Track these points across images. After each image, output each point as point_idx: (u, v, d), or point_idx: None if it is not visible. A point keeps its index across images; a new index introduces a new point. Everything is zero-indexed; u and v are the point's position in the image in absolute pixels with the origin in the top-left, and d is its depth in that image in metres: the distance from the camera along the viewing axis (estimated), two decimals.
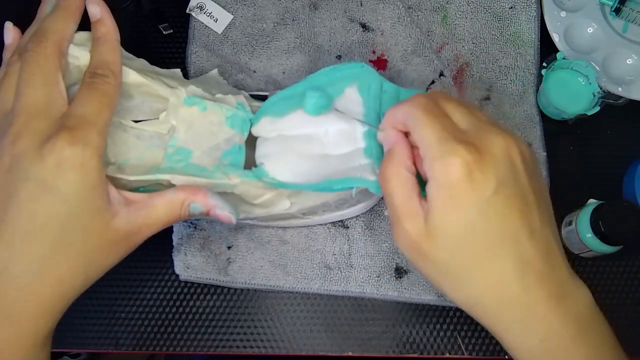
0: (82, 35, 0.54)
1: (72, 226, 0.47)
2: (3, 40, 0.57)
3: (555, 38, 0.75)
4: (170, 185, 0.57)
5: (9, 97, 0.49)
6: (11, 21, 0.57)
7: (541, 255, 0.46)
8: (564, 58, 0.72)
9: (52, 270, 0.47)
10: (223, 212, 0.56)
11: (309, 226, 0.71)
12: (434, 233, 0.45)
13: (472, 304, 0.48)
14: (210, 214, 0.56)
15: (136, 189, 0.56)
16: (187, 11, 0.77)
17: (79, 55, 0.53)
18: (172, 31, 0.79)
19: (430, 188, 0.45)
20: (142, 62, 0.61)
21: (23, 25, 0.57)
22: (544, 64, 0.72)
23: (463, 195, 0.44)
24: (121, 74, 0.54)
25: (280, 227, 0.71)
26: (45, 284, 0.47)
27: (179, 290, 0.71)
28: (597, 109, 0.69)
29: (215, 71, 0.70)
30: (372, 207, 0.71)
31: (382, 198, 0.69)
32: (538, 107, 0.75)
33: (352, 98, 0.61)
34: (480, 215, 0.44)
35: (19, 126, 0.47)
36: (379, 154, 0.59)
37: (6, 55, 0.56)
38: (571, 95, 0.73)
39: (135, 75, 0.56)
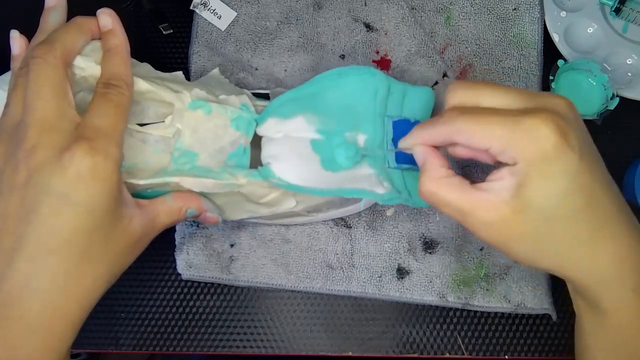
0: (88, 46, 0.54)
1: (95, 238, 0.47)
2: (2, 47, 0.57)
3: (555, 38, 0.75)
4: (178, 187, 0.58)
5: (19, 110, 0.49)
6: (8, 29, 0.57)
7: (631, 227, 0.48)
8: (564, 63, 0.72)
9: (77, 283, 0.47)
10: (212, 215, 0.59)
11: (311, 225, 0.71)
12: (526, 209, 0.45)
13: (570, 276, 0.49)
14: (201, 217, 0.59)
15: (143, 191, 0.57)
16: (190, 7, 0.77)
17: (85, 66, 0.53)
18: (172, 31, 0.79)
19: (517, 170, 0.45)
20: (146, 68, 0.61)
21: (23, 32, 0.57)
22: (550, 77, 0.72)
23: (557, 162, 0.44)
24: (133, 85, 0.54)
25: (283, 226, 0.71)
26: (71, 297, 0.47)
27: (178, 290, 0.72)
28: (617, 99, 0.69)
29: (216, 70, 0.70)
30: (375, 207, 0.71)
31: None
32: None
33: (357, 105, 0.62)
34: (574, 179, 0.44)
35: (33, 140, 0.46)
36: (380, 161, 0.61)
37: (14, 65, 0.55)
38: (584, 96, 0.73)
39: (144, 84, 0.56)
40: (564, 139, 0.43)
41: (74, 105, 0.49)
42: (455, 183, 0.48)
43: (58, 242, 0.45)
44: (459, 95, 0.49)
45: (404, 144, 0.53)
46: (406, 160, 0.62)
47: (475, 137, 0.46)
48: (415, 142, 0.51)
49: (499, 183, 0.46)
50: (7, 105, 0.51)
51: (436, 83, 0.73)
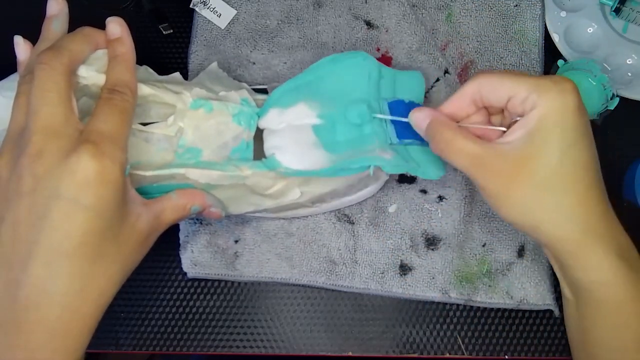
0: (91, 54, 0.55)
1: (106, 238, 0.47)
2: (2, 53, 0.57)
3: (555, 38, 0.75)
4: (184, 180, 0.58)
5: (22, 116, 0.49)
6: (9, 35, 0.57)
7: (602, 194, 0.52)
8: (564, 63, 0.72)
9: (93, 283, 0.47)
10: (216, 209, 0.60)
11: (314, 219, 0.71)
12: (537, 153, 0.50)
13: (558, 235, 0.52)
14: (205, 212, 0.59)
15: (149, 185, 0.57)
16: (190, 6, 0.78)
17: (87, 76, 0.53)
18: (172, 31, 0.79)
19: (534, 114, 0.50)
20: (145, 71, 0.61)
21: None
22: None
23: (574, 115, 0.49)
24: (137, 92, 0.54)
25: (286, 219, 0.71)
26: (87, 298, 0.47)
27: (178, 290, 0.71)
28: (617, 99, 0.69)
29: (214, 64, 0.70)
30: (377, 204, 0.71)
31: (387, 181, 0.70)
32: None
33: (353, 89, 0.62)
34: (583, 136, 0.50)
35: (38, 145, 0.46)
36: (382, 137, 0.62)
37: (21, 70, 0.55)
38: (584, 96, 0.73)
39: (146, 88, 0.57)
40: (581, 102, 0.50)
41: (77, 112, 0.49)
42: (470, 134, 0.54)
43: (71, 245, 0.45)
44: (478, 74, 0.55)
45: (417, 115, 0.58)
46: (407, 135, 0.63)
47: (501, 86, 0.52)
48: (432, 115, 0.57)
49: (512, 135, 0.51)
50: (11, 114, 0.51)
51: (437, 80, 0.73)
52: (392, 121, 0.63)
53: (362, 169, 0.61)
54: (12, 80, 0.57)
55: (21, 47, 0.56)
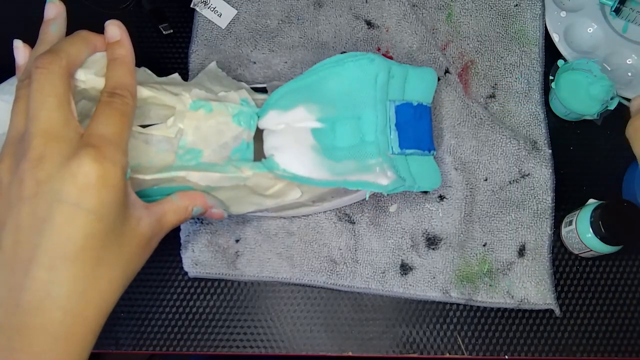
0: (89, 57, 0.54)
1: (108, 242, 0.47)
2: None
3: (555, 38, 0.75)
4: (185, 182, 0.58)
5: (22, 121, 0.48)
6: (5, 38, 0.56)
7: None
8: (564, 63, 0.72)
9: (95, 288, 0.47)
10: (218, 210, 0.59)
11: (315, 218, 0.71)
12: None
13: None
14: (207, 214, 0.59)
15: (149, 189, 0.57)
16: (191, 5, 0.78)
17: (85, 79, 0.53)
18: (172, 31, 0.79)
19: None
20: (144, 73, 0.61)
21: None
22: (550, 77, 0.72)
23: None
24: (136, 95, 0.54)
25: (287, 219, 0.71)
26: (90, 302, 0.47)
27: (178, 290, 0.71)
28: (617, 100, 0.69)
29: (213, 64, 0.70)
30: (378, 204, 0.71)
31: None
32: (543, 105, 0.75)
33: (357, 92, 0.62)
34: None
35: (38, 149, 0.45)
36: (384, 146, 0.61)
37: (19, 75, 0.55)
38: (584, 96, 0.73)
39: (145, 91, 0.57)
40: None
41: (76, 115, 0.49)
42: None
43: (74, 249, 0.45)
44: None
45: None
46: (410, 144, 0.63)
47: None
48: None
49: None
50: (11, 119, 0.50)
51: (438, 79, 0.73)
52: (397, 128, 0.63)
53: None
54: (11, 84, 0.56)
55: (20, 51, 0.55)
